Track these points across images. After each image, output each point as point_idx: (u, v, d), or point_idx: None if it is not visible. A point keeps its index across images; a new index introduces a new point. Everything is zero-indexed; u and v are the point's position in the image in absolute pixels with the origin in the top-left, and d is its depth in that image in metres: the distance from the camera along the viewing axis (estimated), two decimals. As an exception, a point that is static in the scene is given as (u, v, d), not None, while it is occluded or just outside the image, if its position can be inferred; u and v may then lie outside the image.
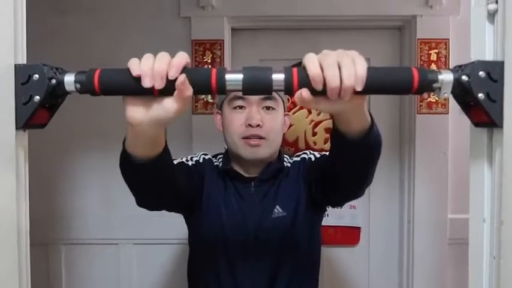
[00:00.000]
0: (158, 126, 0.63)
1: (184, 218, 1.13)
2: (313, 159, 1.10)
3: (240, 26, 1.83)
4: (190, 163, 1.10)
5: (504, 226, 0.51)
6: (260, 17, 1.78)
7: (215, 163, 1.13)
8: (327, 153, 0.93)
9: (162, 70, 0.54)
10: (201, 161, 1.12)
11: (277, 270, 1.04)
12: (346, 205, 1.86)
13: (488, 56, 0.54)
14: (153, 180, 0.78)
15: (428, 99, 1.75)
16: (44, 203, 1.79)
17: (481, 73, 0.51)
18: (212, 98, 1.75)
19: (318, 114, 1.87)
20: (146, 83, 0.54)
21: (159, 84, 0.54)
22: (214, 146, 1.61)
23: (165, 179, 0.81)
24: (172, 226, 1.69)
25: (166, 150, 0.75)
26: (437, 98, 1.72)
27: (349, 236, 1.88)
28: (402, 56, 1.85)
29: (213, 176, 1.10)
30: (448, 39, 1.73)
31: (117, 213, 1.80)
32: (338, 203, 1.06)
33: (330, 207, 1.13)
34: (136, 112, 0.60)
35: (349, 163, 0.81)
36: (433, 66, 1.72)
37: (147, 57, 0.55)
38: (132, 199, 0.88)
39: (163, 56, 0.56)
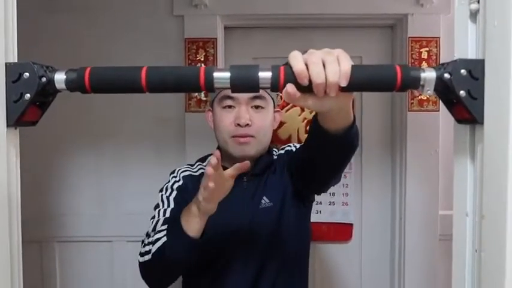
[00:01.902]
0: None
1: None
2: (294, 150, 1.14)
3: (233, 25, 1.84)
4: (174, 195, 1.08)
5: (485, 220, 0.52)
6: (253, 16, 1.79)
7: (200, 169, 1.14)
8: None
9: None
10: (181, 183, 1.11)
11: (266, 262, 1.06)
12: (339, 202, 1.89)
13: (471, 55, 0.55)
14: (195, 256, 0.95)
15: (420, 97, 1.76)
16: (38, 201, 1.79)
17: (463, 71, 0.52)
18: (205, 96, 1.76)
19: (311, 112, 1.89)
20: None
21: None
22: (207, 144, 1.62)
23: None
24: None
25: None
26: (428, 96, 1.74)
27: (342, 232, 1.89)
28: (394, 54, 1.86)
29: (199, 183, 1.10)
30: (439, 37, 1.75)
31: (110, 211, 1.80)
32: (318, 190, 1.10)
33: (315, 194, 1.16)
34: (214, 203, 0.89)
35: (327, 155, 0.86)
36: (424, 64, 1.74)
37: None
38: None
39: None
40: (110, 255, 1.82)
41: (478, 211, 0.54)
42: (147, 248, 0.98)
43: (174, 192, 1.09)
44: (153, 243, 0.96)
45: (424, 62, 1.75)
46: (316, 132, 0.80)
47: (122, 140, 1.81)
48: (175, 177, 1.13)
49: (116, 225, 1.80)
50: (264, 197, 1.08)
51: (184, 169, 1.15)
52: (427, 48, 1.75)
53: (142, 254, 0.98)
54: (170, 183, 1.11)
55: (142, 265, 0.99)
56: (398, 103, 1.84)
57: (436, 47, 1.75)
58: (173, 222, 0.95)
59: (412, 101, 1.77)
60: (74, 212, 1.82)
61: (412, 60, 1.74)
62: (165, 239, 0.93)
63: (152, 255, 0.95)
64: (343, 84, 0.54)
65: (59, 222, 1.82)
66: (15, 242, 0.57)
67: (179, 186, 1.10)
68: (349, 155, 0.88)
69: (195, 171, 1.14)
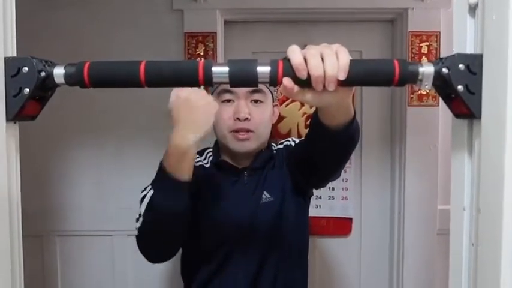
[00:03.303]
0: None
1: None
2: (293, 145, 1.14)
3: (232, 19, 1.83)
4: None
5: (481, 214, 0.52)
6: (253, 10, 1.78)
7: (198, 161, 1.13)
8: None
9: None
10: None
11: (267, 256, 1.06)
12: (338, 196, 1.89)
13: (469, 49, 0.55)
14: (186, 205, 0.88)
15: (419, 92, 1.76)
16: (39, 195, 1.80)
17: (461, 66, 0.52)
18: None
19: (311, 107, 1.88)
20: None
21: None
22: (207, 138, 1.62)
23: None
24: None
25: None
26: (428, 91, 1.74)
27: (341, 226, 1.90)
28: (394, 48, 1.86)
29: (199, 174, 1.10)
30: (439, 32, 1.74)
31: (111, 205, 1.81)
32: (317, 185, 1.10)
33: (314, 189, 1.16)
34: (189, 140, 0.83)
35: (328, 151, 0.85)
36: (424, 59, 1.74)
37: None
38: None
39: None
40: (110, 249, 1.83)
41: (475, 205, 0.54)
42: (138, 217, 0.94)
43: None
44: (142, 202, 0.93)
45: (424, 56, 1.74)
46: (316, 128, 0.80)
47: (122, 135, 1.81)
48: None
49: (116, 219, 1.80)
50: (265, 192, 1.08)
51: None
52: (427, 43, 1.75)
53: (137, 228, 0.95)
54: None
55: (138, 236, 0.95)
56: (398, 98, 1.84)
57: (437, 41, 1.74)
58: (157, 175, 0.91)
59: (411, 96, 1.77)
60: (74, 206, 1.83)
61: (412, 55, 1.74)
62: (151, 192, 0.90)
63: (143, 216, 0.92)
64: (341, 77, 0.54)
65: (60, 216, 1.83)
66: (16, 235, 0.57)
67: None
68: (349, 150, 0.88)
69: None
